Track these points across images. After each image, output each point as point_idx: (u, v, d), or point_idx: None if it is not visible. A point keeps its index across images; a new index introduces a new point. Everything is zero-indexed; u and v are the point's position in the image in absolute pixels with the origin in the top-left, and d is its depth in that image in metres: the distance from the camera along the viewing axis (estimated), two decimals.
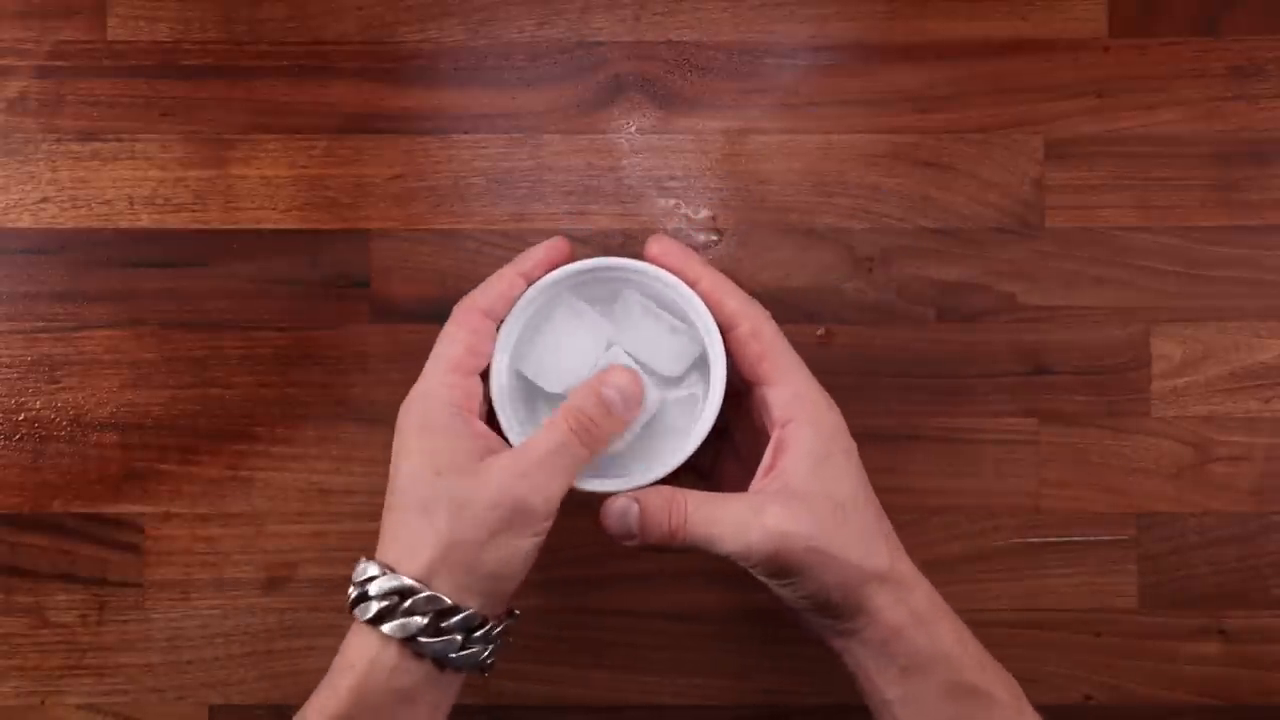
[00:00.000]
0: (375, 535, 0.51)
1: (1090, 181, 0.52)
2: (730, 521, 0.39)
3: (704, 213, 0.52)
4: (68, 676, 0.52)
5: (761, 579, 0.41)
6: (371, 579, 0.39)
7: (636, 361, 0.43)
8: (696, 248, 0.52)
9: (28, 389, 0.52)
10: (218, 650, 0.52)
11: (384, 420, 0.52)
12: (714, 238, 0.52)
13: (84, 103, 0.52)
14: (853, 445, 0.41)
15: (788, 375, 0.41)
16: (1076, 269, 0.52)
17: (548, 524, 0.39)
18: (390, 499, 0.40)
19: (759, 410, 0.42)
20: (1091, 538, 0.51)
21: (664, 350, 0.43)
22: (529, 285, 0.42)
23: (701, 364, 0.43)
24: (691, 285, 0.42)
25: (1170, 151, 0.52)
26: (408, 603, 0.38)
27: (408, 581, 0.38)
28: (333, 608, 0.52)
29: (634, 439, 0.43)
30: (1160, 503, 0.51)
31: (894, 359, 0.52)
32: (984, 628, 0.51)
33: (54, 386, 0.52)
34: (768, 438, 0.41)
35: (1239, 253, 0.52)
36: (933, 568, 0.51)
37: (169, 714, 0.52)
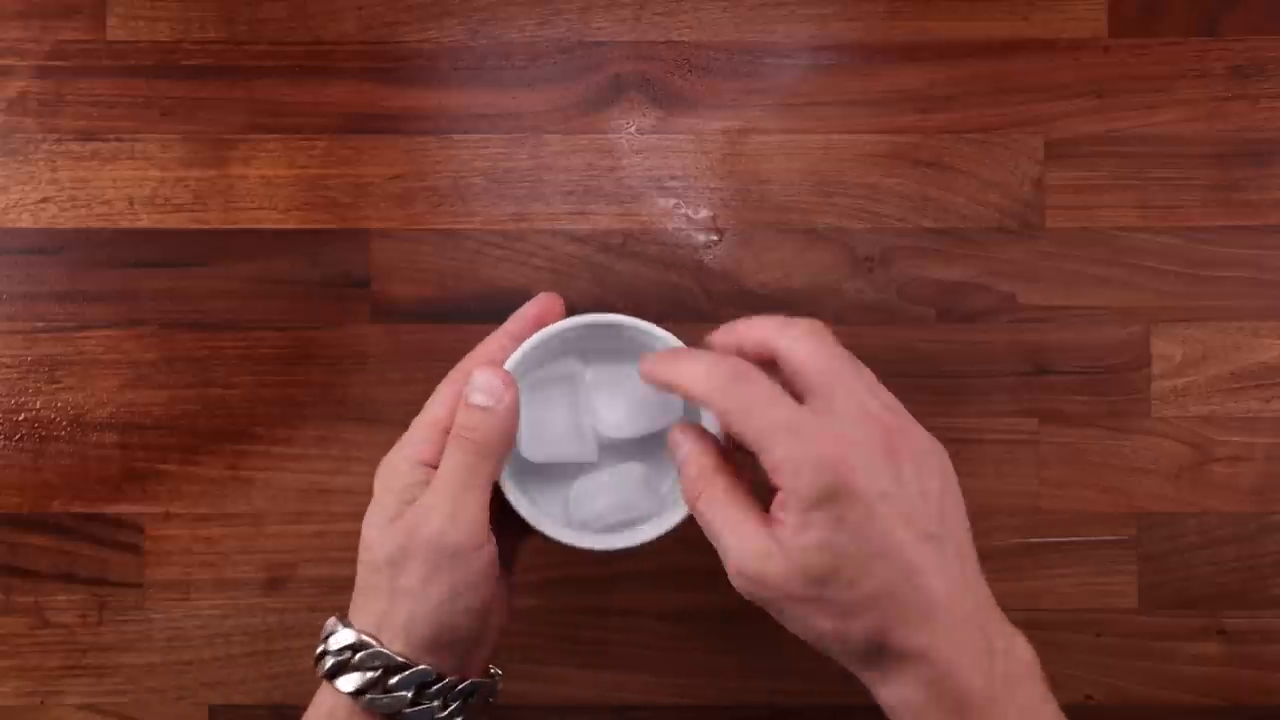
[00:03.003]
0: None
1: (1090, 181, 0.52)
2: (728, 537, 0.37)
3: (704, 213, 0.52)
4: (68, 676, 0.52)
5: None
6: (331, 634, 0.39)
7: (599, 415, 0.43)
8: (696, 248, 0.52)
9: (28, 389, 0.52)
10: (218, 650, 0.52)
11: (384, 420, 0.52)
12: (714, 238, 0.52)
13: (84, 103, 0.52)
14: (842, 510, 0.35)
15: (767, 442, 0.36)
16: (1076, 269, 0.52)
17: (480, 555, 0.38)
18: (358, 555, 0.40)
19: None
20: (1091, 538, 0.51)
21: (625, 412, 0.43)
22: (518, 346, 0.41)
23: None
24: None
25: (1170, 151, 0.52)
26: (358, 657, 0.38)
27: (360, 637, 0.38)
28: (333, 608, 0.51)
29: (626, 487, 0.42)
30: (1160, 503, 0.51)
31: (894, 359, 0.52)
32: None
33: (54, 386, 0.52)
34: None
35: (1239, 253, 0.52)
36: None
37: (169, 714, 0.52)
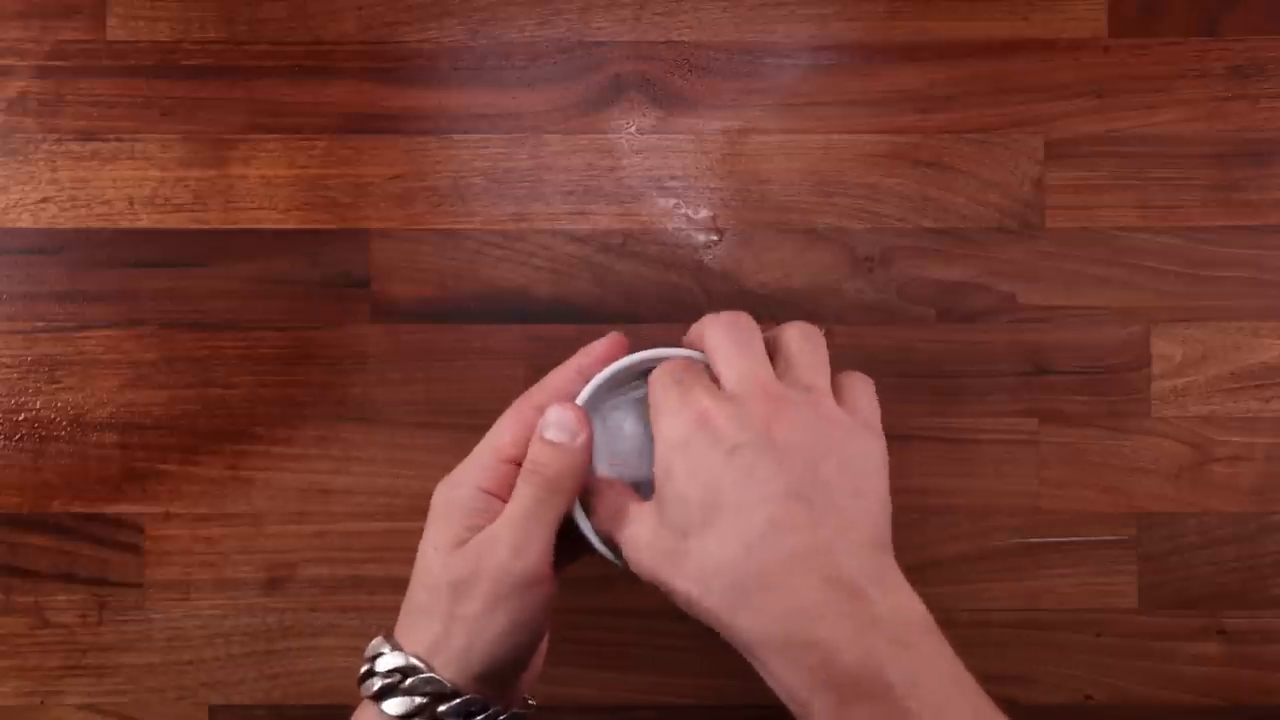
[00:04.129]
0: (375, 535, 0.52)
1: (1090, 181, 0.52)
2: (621, 530, 0.38)
3: (704, 213, 0.52)
4: (68, 676, 0.52)
5: None
6: (379, 655, 0.39)
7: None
8: (696, 248, 0.52)
9: (28, 389, 0.52)
10: (218, 650, 0.52)
11: (384, 420, 0.52)
12: (714, 238, 0.52)
13: (84, 103, 0.52)
14: (702, 464, 0.36)
15: (654, 400, 0.38)
16: (1076, 269, 0.52)
17: (543, 589, 0.38)
18: (412, 576, 0.40)
19: None
20: (1091, 538, 0.51)
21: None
22: (586, 381, 0.41)
23: None
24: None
25: (1170, 151, 0.52)
26: (408, 682, 0.38)
27: (410, 660, 0.38)
28: (333, 607, 0.52)
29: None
30: (1160, 503, 0.52)
31: (894, 359, 0.52)
32: (984, 628, 0.51)
33: (54, 386, 0.52)
34: None
35: (1239, 253, 0.52)
36: (933, 568, 0.52)
37: (169, 714, 0.52)
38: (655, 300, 0.52)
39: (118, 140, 0.52)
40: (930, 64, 0.52)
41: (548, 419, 0.39)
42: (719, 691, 0.52)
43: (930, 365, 0.52)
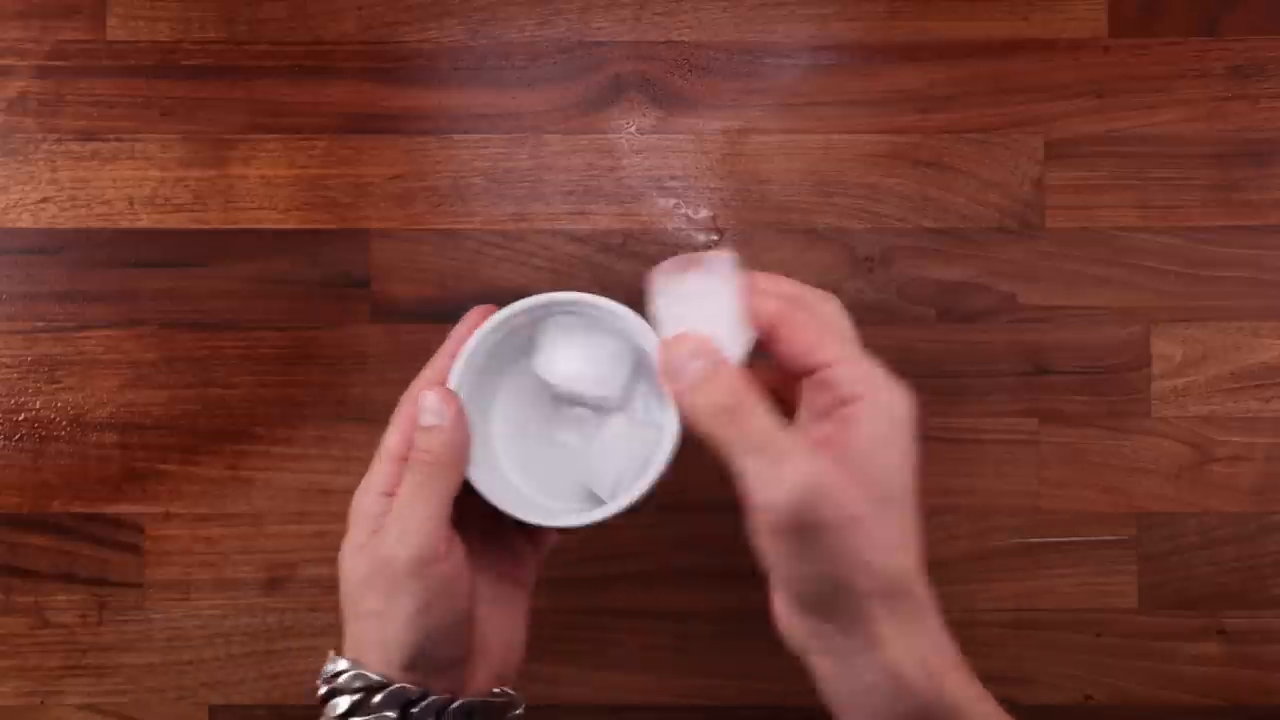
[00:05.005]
0: None
1: (1090, 181, 0.52)
2: (772, 446, 0.35)
3: (704, 213, 0.52)
4: (68, 676, 0.52)
5: (765, 542, 0.36)
6: (328, 663, 0.40)
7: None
8: (697, 248, 0.52)
9: (28, 389, 0.52)
10: (218, 650, 0.52)
11: (384, 420, 0.52)
12: (714, 238, 0.52)
13: (84, 103, 0.52)
14: (913, 446, 0.38)
15: (854, 355, 0.38)
16: (1076, 269, 0.52)
17: (438, 568, 0.38)
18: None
19: (819, 395, 0.38)
20: (1091, 538, 0.51)
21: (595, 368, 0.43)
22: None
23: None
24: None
25: (1170, 151, 0.52)
26: (341, 680, 0.39)
27: (342, 663, 0.39)
28: (333, 607, 0.52)
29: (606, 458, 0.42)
30: (1160, 503, 0.52)
31: (894, 359, 0.51)
32: (984, 628, 0.51)
33: (54, 386, 0.52)
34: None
35: (1239, 253, 0.52)
36: (933, 568, 0.51)
37: (169, 714, 0.52)
38: None
39: (118, 140, 0.52)
40: (930, 64, 0.52)
41: (421, 406, 0.40)
42: (714, 691, 0.52)
43: (930, 365, 0.52)
